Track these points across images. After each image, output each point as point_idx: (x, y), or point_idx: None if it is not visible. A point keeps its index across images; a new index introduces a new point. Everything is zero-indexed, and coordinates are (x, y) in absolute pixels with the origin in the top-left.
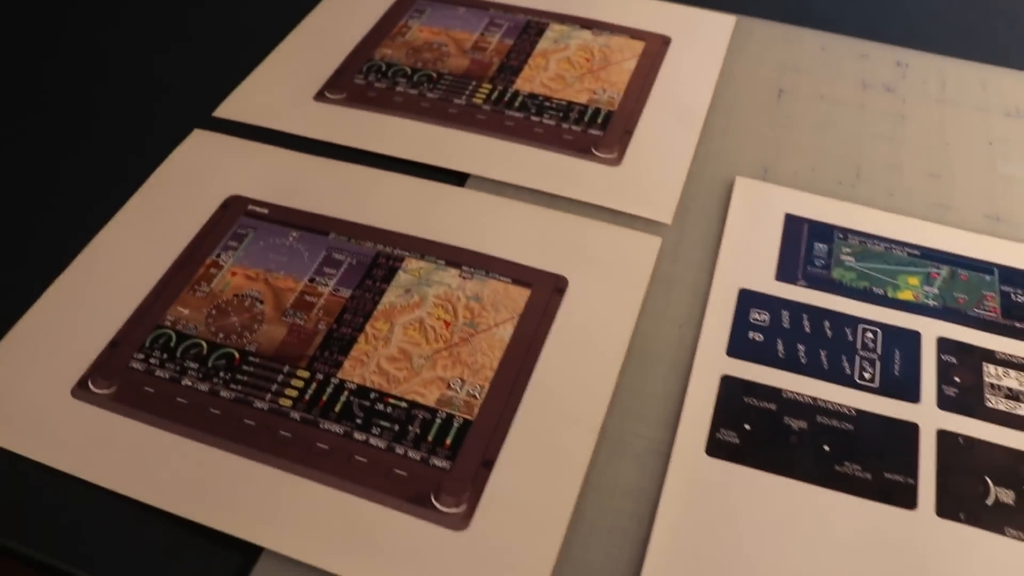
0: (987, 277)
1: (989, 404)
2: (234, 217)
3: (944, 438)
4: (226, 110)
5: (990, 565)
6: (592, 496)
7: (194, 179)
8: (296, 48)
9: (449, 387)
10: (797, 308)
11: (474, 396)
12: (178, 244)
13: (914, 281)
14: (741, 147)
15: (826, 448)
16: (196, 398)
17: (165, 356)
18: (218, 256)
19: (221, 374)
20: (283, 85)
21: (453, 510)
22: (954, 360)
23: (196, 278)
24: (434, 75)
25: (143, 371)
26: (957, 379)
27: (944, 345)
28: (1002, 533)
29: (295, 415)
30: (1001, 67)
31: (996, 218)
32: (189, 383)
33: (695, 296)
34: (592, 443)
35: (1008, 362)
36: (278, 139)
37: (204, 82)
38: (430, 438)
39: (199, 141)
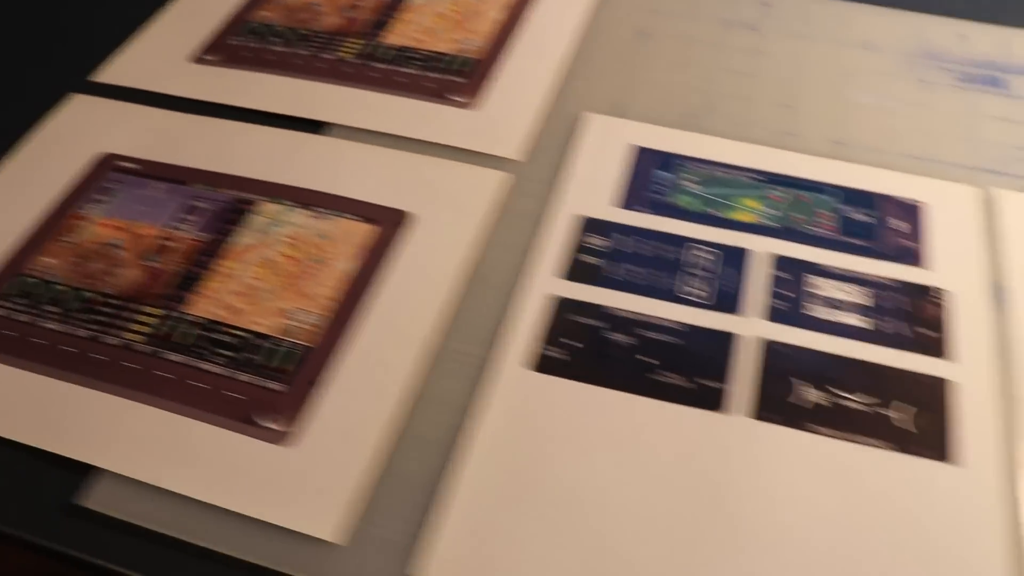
0: (825, 197)
1: (809, 313)
2: (104, 172)
3: (761, 345)
4: (105, 74)
5: (791, 458)
6: (419, 412)
7: (67, 140)
8: (179, 14)
9: (289, 317)
10: (634, 232)
11: (313, 324)
12: (45, 200)
13: (754, 203)
14: (598, 86)
15: (647, 360)
16: (52, 338)
17: (26, 302)
18: (82, 209)
19: (78, 315)
20: (163, 49)
21: (279, 427)
22: (783, 274)
23: (61, 230)
24: (307, 33)
25: (3, 316)
26: (783, 291)
27: (774, 261)
28: (803, 429)
29: (142, 348)
30: (863, 4)
31: (840, 143)
32: (48, 326)
33: (539, 226)
34: (421, 363)
35: (833, 274)
36: (156, 101)
37: (81, 48)
38: (266, 364)
39: (75, 104)
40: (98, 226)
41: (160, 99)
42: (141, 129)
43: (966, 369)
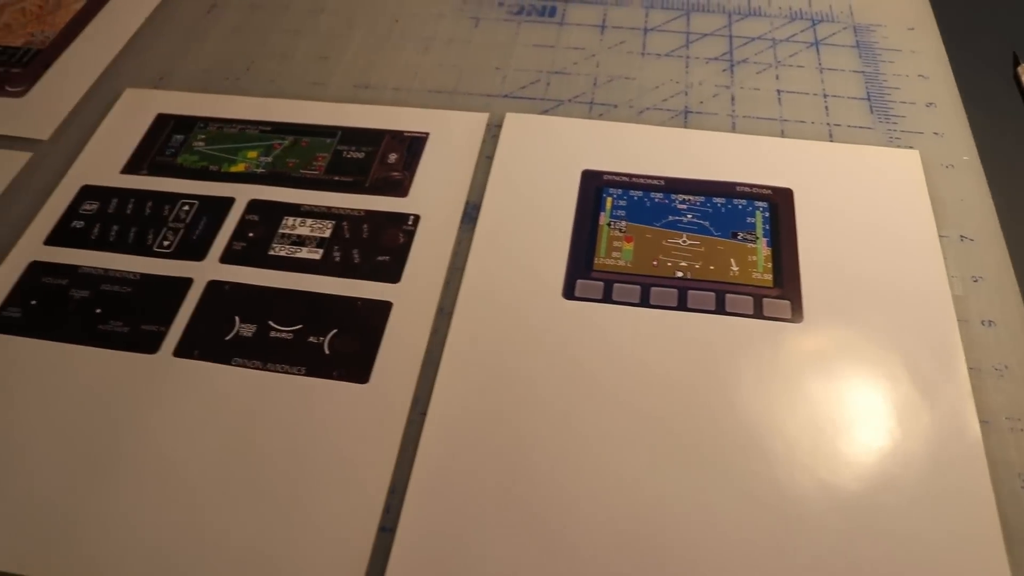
0: (328, 140)
1: (272, 252)
2: None
3: (211, 287)
4: None
5: (207, 391)
6: None
7: None
8: None
9: None
10: (126, 194)
11: None
12: None
13: (252, 154)
14: (150, 62)
15: (98, 311)
16: None
17: None
18: None
19: None
20: None
21: None
22: (256, 218)
23: None
24: None
25: None
26: (251, 234)
27: (251, 206)
28: (228, 363)
29: None
30: None
31: (366, 86)
32: None
33: (43, 199)
34: None
35: (309, 213)
36: None
37: None
38: None
39: None
40: None
41: None
42: None
43: (408, 289)
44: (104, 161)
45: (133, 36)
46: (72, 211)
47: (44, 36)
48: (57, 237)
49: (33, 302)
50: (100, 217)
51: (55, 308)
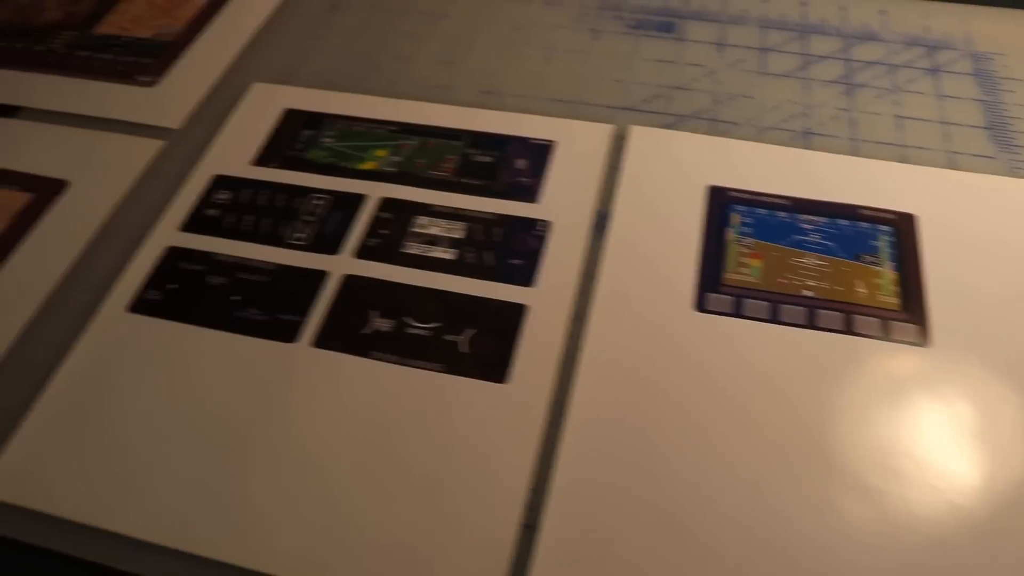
0: (455, 143)
1: (405, 250)
2: None
3: (347, 281)
4: None
5: (346, 381)
6: (20, 354)
7: None
8: None
9: None
10: (259, 186)
11: None
12: None
13: (382, 153)
14: (275, 57)
15: (235, 298)
16: None
17: None
18: None
19: None
20: None
21: None
22: (388, 216)
23: None
24: (27, 28)
25: None
26: (384, 231)
27: (384, 204)
28: (367, 356)
29: None
30: None
31: (491, 92)
32: None
33: (177, 187)
34: (32, 309)
35: (440, 213)
36: None
37: None
38: None
39: None
40: None
41: None
42: None
43: (542, 293)
44: (235, 152)
45: (256, 32)
46: (206, 200)
47: (171, 29)
48: (192, 224)
49: (171, 286)
50: (233, 207)
51: (193, 293)
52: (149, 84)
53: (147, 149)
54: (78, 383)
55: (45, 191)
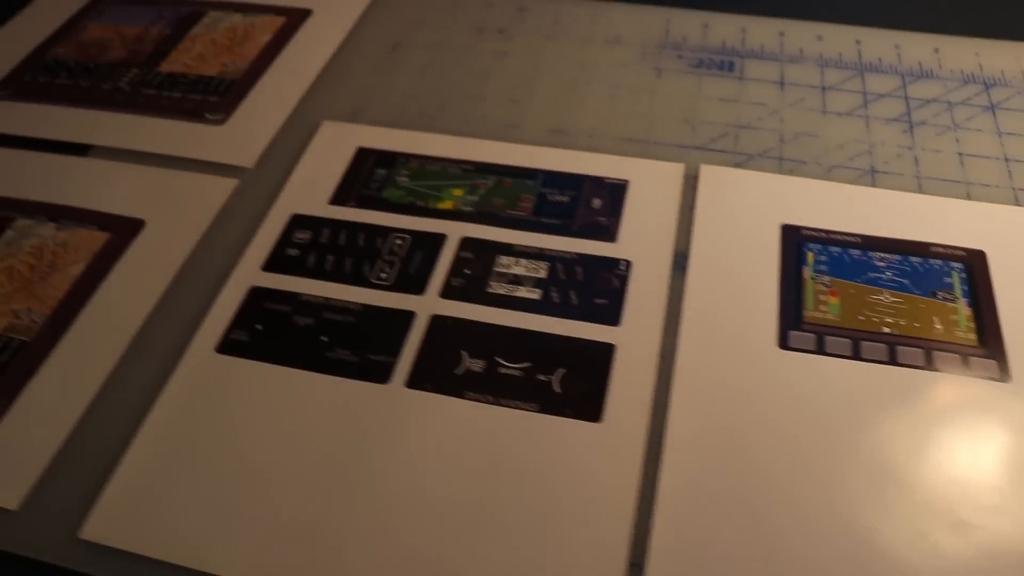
0: (530, 182)
1: (490, 290)
2: None
3: (435, 321)
4: None
5: (441, 423)
6: (107, 395)
7: None
8: None
9: (17, 317)
10: (338, 225)
11: (35, 321)
12: None
13: (458, 192)
14: (342, 96)
15: (324, 339)
16: None
17: None
18: None
19: None
20: None
21: None
22: (470, 255)
23: None
24: (91, 66)
25: None
26: (467, 271)
27: (465, 243)
28: (461, 396)
29: None
30: (614, 3)
31: (560, 131)
32: None
33: (254, 226)
34: (120, 351)
35: (522, 253)
36: None
37: None
38: None
39: None
40: None
41: None
42: None
43: (629, 333)
44: (310, 191)
45: (321, 71)
46: (285, 239)
47: (236, 67)
48: (274, 264)
49: (258, 326)
50: (313, 246)
51: (280, 333)
52: (219, 122)
53: (222, 188)
54: (171, 425)
55: (122, 230)
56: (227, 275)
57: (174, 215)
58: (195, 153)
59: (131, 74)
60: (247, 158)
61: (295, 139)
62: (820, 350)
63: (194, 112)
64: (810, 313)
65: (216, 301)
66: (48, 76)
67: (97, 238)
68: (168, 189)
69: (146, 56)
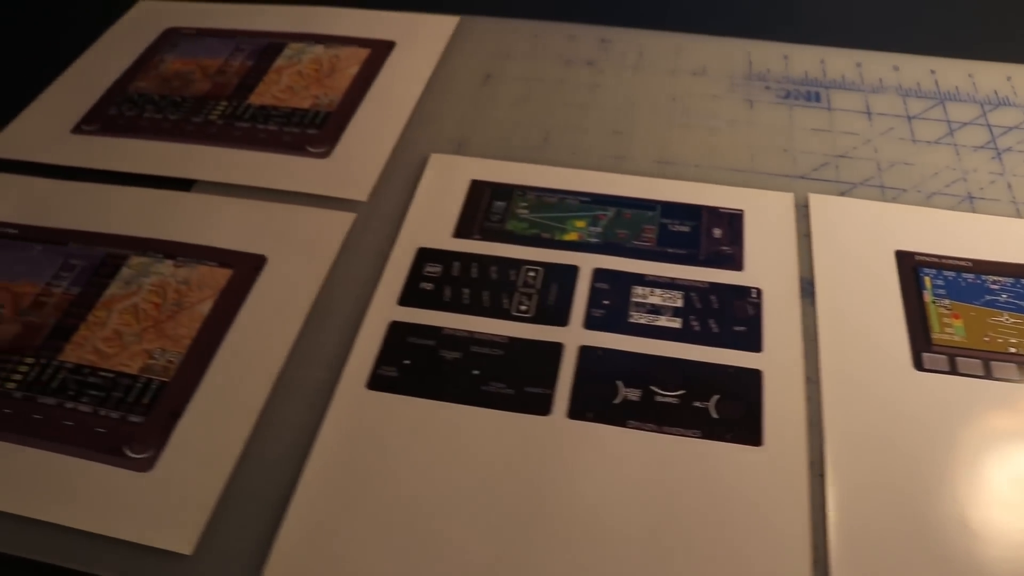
0: (649, 213)
1: (632, 320)
2: None
3: (584, 352)
4: None
5: (609, 452)
6: (262, 434)
7: None
8: (63, 89)
9: (151, 357)
10: (468, 258)
11: (171, 361)
12: None
13: (581, 224)
14: (444, 128)
15: (476, 372)
16: None
17: None
18: None
19: None
20: (47, 123)
21: (140, 455)
22: (606, 286)
23: None
24: (178, 100)
25: None
26: (606, 302)
27: (598, 275)
28: (624, 425)
29: (17, 394)
30: (694, 34)
31: (666, 162)
32: None
33: (380, 258)
34: (267, 389)
35: (655, 283)
36: (38, 171)
37: None
38: (130, 399)
39: None
40: None
41: (42, 169)
42: (21, 197)
43: (772, 358)
44: (431, 224)
45: (417, 102)
46: (416, 273)
47: (329, 99)
48: (409, 298)
49: (406, 361)
50: (446, 279)
51: (430, 368)
52: (322, 155)
53: (341, 222)
54: (334, 463)
55: (244, 266)
56: (363, 310)
57: (295, 250)
58: (305, 187)
59: (221, 107)
60: (360, 191)
61: (404, 172)
62: (953, 371)
63: (295, 145)
64: (937, 335)
65: (358, 337)
66: (134, 110)
67: (219, 275)
68: (284, 224)
69: (232, 89)
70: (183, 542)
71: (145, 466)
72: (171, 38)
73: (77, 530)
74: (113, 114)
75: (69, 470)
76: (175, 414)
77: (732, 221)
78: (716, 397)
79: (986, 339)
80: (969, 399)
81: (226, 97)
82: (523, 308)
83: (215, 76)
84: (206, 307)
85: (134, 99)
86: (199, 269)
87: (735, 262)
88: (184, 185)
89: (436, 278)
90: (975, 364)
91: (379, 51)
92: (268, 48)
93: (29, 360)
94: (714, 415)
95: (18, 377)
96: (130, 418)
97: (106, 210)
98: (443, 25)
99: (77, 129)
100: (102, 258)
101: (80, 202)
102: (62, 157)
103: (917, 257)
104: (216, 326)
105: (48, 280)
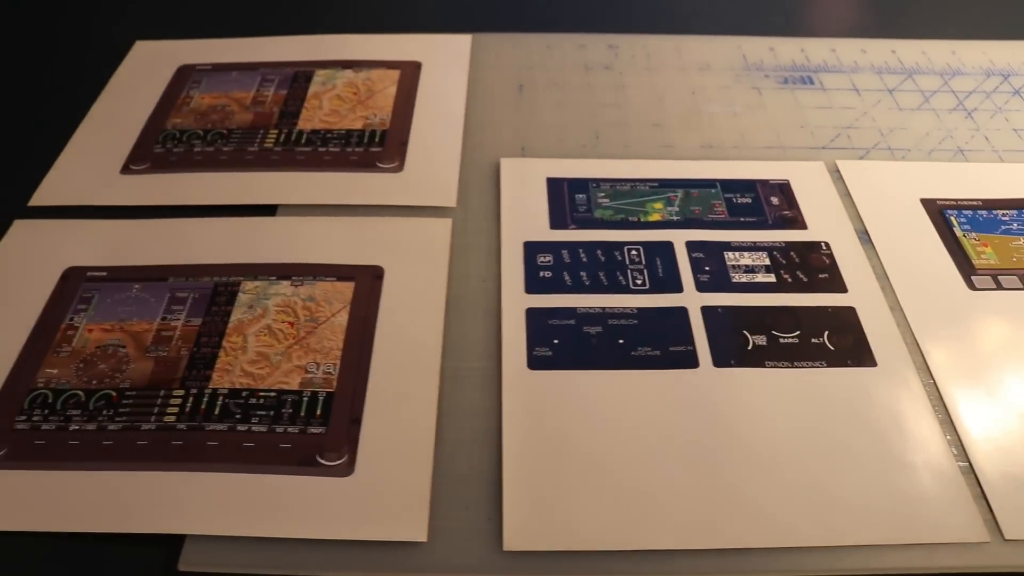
0: (712, 190)
1: (734, 279)
2: (76, 284)
3: (707, 311)
4: (40, 197)
5: (759, 390)
6: (446, 423)
7: (27, 263)
8: (91, 132)
9: (307, 371)
10: (573, 246)
11: (330, 373)
12: (29, 319)
13: (658, 205)
14: (499, 135)
15: (620, 341)
16: (86, 437)
17: (46, 411)
18: (71, 319)
19: (104, 412)
20: (89, 166)
21: (336, 462)
22: (701, 255)
23: (56, 341)
24: (225, 132)
25: (29, 429)
26: (707, 268)
27: (692, 246)
28: (763, 366)
29: (181, 426)
30: (691, 35)
31: (709, 146)
32: (76, 427)
33: (490, 255)
34: (436, 383)
35: (741, 247)
36: (97, 214)
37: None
38: (303, 413)
39: (21, 230)
40: (90, 332)
41: (100, 211)
42: (93, 240)
43: (859, 296)
44: (526, 220)
45: (466, 113)
46: (531, 264)
47: (379, 118)
48: (534, 286)
49: (555, 341)
50: (560, 266)
51: (578, 343)
52: (395, 170)
53: (442, 227)
54: (526, 436)
55: (365, 277)
56: (495, 302)
57: (408, 258)
58: (392, 199)
59: (273, 135)
60: (448, 198)
61: (479, 176)
62: (999, 287)
63: (364, 163)
64: (977, 261)
65: (502, 326)
66: (182, 146)
67: (342, 288)
68: (387, 235)
69: (276, 117)
70: (416, 531)
71: (345, 471)
72: (190, 75)
73: (306, 540)
74: (160, 152)
75: (271, 487)
76: (355, 420)
77: (783, 189)
78: (827, 332)
79: (1014, 259)
80: (1020, 308)
81: (274, 125)
82: (639, 282)
83: (253, 107)
84: (343, 318)
85: (176, 136)
86: (319, 285)
87: (799, 223)
88: (263, 211)
89: (550, 266)
90: (1014, 279)
91: (408, 71)
92: (296, 77)
93: (178, 392)
94: (831, 347)
95: (174, 410)
96: (310, 430)
97: (194, 242)
98: (460, 44)
99: (126, 169)
100: (212, 287)
101: (164, 238)
102: (123, 197)
103: (939, 202)
104: (361, 334)
105: (162, 316)
